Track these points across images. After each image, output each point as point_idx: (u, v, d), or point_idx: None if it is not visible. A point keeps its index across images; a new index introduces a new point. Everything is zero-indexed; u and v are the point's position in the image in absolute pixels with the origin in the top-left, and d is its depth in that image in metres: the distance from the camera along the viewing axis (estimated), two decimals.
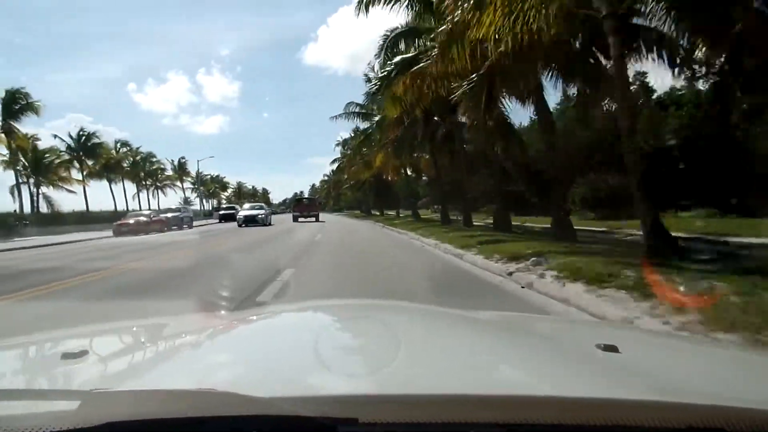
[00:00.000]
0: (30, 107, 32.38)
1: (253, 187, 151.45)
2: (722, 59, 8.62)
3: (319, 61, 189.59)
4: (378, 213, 50.30)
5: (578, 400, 0.69)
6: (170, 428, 0.62)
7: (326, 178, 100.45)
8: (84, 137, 42.65)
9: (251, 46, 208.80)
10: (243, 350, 1.14)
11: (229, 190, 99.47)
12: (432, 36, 12.60)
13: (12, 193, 35.00)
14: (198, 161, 62.54)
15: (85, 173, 42.90)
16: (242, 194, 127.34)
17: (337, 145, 53.76)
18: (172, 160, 64.79)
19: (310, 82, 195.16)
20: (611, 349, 0.98)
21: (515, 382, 0.88)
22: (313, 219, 32.79)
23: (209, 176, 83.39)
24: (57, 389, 0.84)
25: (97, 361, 1.07)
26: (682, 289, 4.00)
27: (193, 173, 67.71)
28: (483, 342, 1.23)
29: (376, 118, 26.12)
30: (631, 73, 10.24)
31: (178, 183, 65.47)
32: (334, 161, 53.99)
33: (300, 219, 32.66)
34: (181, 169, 65.72)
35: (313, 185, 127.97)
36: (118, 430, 0.62)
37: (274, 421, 0.62)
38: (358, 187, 52.26)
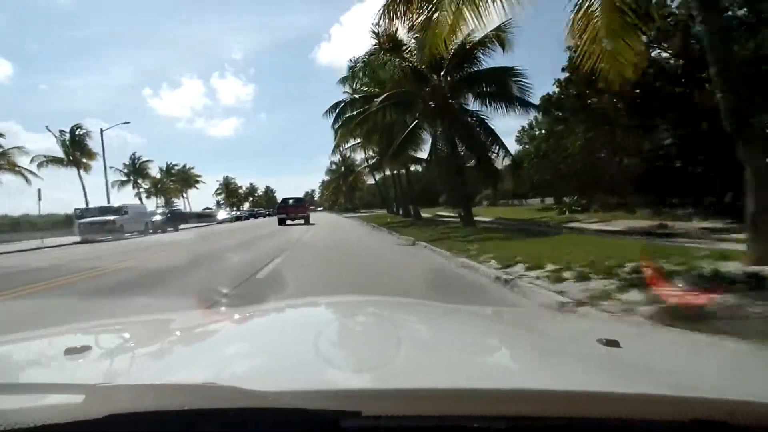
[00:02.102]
0: None
1: (251, 185, 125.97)
2: None
3: (333, 60, 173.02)
4: (449, 212, 22.58)
5: (580, 393, 0.69)
6: (173, 421, 0.62)
7: (334, 166, 72.48)
8: None
9: (264, 47, 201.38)
10: (245, 345, 1.14)
11: (200, 187, 71.72)
12: None
13: None
14: (102, 131, 35.02)
15: None
16: (232, 193, 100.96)
17: (345, 78, 25.66)
18: (62, 131, 36.97)
19: (323, 82, 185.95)
20: (613, 344, 0.97)
21: (518, 376, 0.88)
22: (302, 221, 28.14)
23: (148, 163, 56.25)
24: (61, 383, 0.82)
25: (100, 356, 1.07)
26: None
27: (116, 157, 39.99)
28: (485, 337, 1.23)
29: None
30: None
31: (73, 168, 37.18)
32: (334, 107, 25.64)
33: (287, 222, 27.92)
34: (75, 145, 37.08)
35: (323, 181, 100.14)
36: (121, 423, 0.62)
37: (277, 414, 0.62)
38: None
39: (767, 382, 0.86)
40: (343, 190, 72.86)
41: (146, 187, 57.02)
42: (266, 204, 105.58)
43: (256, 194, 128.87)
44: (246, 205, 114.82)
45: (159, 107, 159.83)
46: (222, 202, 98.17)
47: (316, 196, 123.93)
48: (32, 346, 1.26)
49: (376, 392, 0.69)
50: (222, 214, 51.75)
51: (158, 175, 60.46)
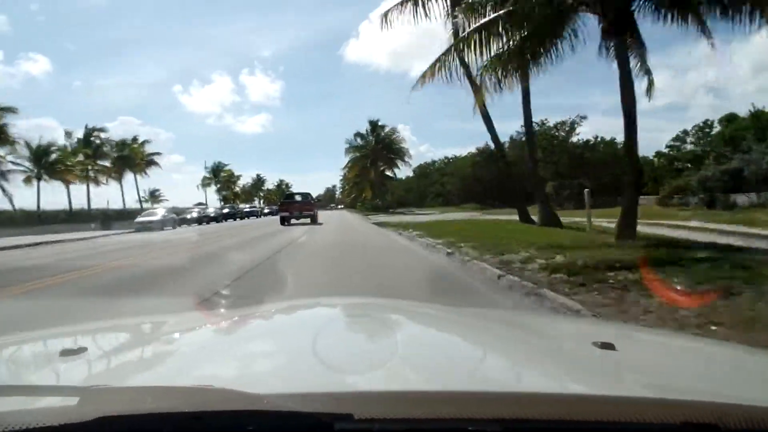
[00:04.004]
0: None
1: (257, 176, 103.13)
2: None
3: (360, 58, 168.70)
4: None
5: (574, 396, 0.71)
6: (166, 424, 0.62)
7: (359, 140, 48.34)
8: None
9: (293, 45, 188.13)
10: (240, 347, 1.14)
11: (153, 171, 48.78)
12: None
13: None
14: None
15: None
16: (224, 185, 78.05)
17: None
18: None
19: (350, 79, 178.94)
20: (608, 347, 0.97)
21: (512, 378, 0.88)
22: (308, 220, 23.86)
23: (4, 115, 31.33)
24: (55, 385, 0.82)
25: (95, 358, 1.07)
26: None
27: None
28: (480, 339, 1.23)
29: None
30: None
31: None
32: None
33: (292, 221, 23.88)
34: None
35: (344, 175, 76.74)
36: (113, 425, 0.61)
37: (271, 417, 0.62)
38: None
39: (759, 385, 0.87)
40: (370, 179, 48.69)
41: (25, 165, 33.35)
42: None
43: (264, 188, 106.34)
44: (258, 202, 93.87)
45: (189, 104, 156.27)
46: (230, 197, 76.80)
47: (338, 192, 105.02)
48: (27, 347, 1.26)
49: (370, 395, 0.70)
50: (159, 213, 28.32)
51: (54, 146, 36.27)
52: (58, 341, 1.25)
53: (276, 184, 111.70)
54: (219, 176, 74.08)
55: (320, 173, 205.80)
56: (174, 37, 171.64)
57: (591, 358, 0.97)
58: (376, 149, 48.07)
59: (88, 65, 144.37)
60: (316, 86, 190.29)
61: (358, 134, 50.16)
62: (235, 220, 40.68)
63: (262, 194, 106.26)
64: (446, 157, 66.99)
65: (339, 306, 1.74)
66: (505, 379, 0.86)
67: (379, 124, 49.00)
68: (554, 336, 1.32)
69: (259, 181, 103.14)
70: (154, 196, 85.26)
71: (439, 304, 2.13)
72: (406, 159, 49.54)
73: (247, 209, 52.66)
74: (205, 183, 72.25)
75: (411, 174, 62.62)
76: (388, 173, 51.52)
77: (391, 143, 47.77)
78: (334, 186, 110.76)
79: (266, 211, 60.98)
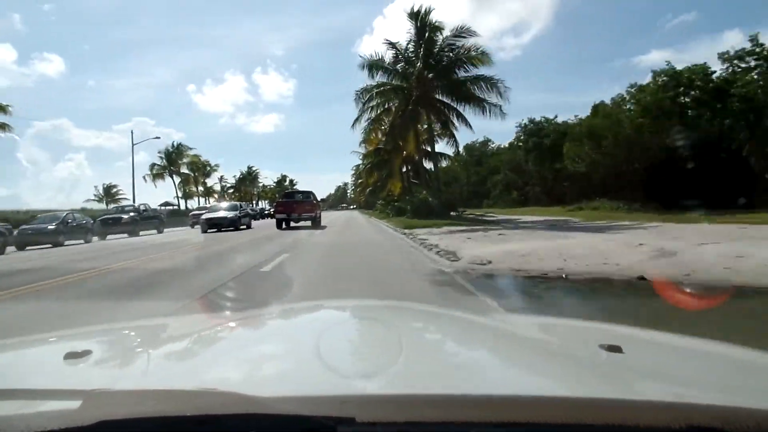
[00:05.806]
0: None
1: (248, 168, 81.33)
2: None
3: (375, 54, 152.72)
4: None
5: (579, 400, 0.70)
6: (169, 427, 0.62)
7: (378, 75, 24.75)
8: None
9: (307, 42, 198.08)
10: (243, 350, 1.15)
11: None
12: None
13: None
14: None
15: None
16: (187, 178, 56.01)
17: None
18: None
19: (365, 77, 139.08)
20: (615, 349, 0.97)
21: (516, 382, 0.88)
22: (309, 223, 20.24)
23: None
24: (59, 388, 0.83)
25: (100, 360, 1.08)
26: None
27: None
28: (484, 342, 1.23)
29: None
30: None
31: None
32: None
33: (291, 223, 19.99)
34: None
35: (359, 166, 54.73)
36: (115, 428, 0.62)
37: (273, 420, 0.63)
38: None
39: (765, 389, 0.86)
40: (409, 150, 25.05)
41: None
42: None
43: (258, 183, 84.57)
44: (263, 202, 73.91)
45: (202, 104, 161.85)
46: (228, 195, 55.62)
47: (350, 190, 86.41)
48: (32, 350, 1.25)
49: (372, 398, 0.69)
50: None
51: None
52: (61, 344, 1.23)
53: (276, 180, 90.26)
54: (177, 164, 51.84)
55: (333, 174, 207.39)
56: (188, 37, 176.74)
57: (597, 360, 0.97)
58: (423, 80, 21.29)
59: (102, 66, 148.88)
60: (330, 84, 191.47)
61: (385, 53, 22.97)
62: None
63: (256, 192, 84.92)
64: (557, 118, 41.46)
65: (342, 308, 1.74)
66: (511, 382, 0.85)
67: (434, 22, 21.25)
68: (558, 338, 1.29)
69: (249, 176, 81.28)
70: (110, 194, 64.27)
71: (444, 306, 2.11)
72: (496, 101, 21.28)
73: (195, 212, 31.21)
74: (156, 173, 50.12)
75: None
76: (437, 149, 26.78)
77: (459, 59, 21.17)
78: (345, 184, 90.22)
79: (227, 214, 39.58)
